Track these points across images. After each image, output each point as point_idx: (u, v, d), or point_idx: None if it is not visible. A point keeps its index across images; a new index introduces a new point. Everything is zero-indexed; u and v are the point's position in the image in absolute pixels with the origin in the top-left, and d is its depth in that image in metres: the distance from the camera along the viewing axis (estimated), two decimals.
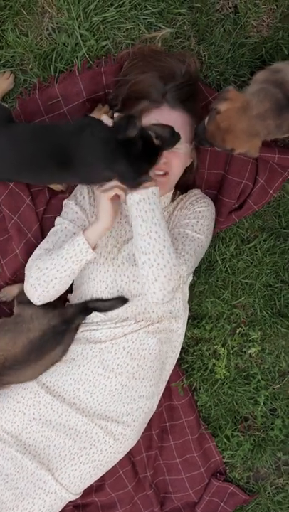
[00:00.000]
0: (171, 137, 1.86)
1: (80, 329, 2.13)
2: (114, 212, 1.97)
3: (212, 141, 1.96)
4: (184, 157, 2.10)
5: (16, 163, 1.92)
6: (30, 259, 2.08)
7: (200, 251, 2.09)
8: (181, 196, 2.21)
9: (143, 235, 1.91)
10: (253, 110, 1.88)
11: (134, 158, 1.83)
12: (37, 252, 2.08)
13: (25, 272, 2.05)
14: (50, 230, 2.13)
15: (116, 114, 1.95)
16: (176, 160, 2.07)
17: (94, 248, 2.00)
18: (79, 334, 2.12)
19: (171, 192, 2.21)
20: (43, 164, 1.90)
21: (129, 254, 2.07)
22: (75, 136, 1.87)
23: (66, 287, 2.05)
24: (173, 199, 2.20)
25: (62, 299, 2.20)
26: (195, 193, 2.20)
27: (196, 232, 2.07)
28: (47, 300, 2.05)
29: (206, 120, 1.96)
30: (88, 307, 2.11)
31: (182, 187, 2.23)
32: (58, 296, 2.06)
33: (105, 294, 2.10)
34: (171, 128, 1.88)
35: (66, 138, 1.88)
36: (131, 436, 2.14)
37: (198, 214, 2.11)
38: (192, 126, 2.08)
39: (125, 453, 2.22)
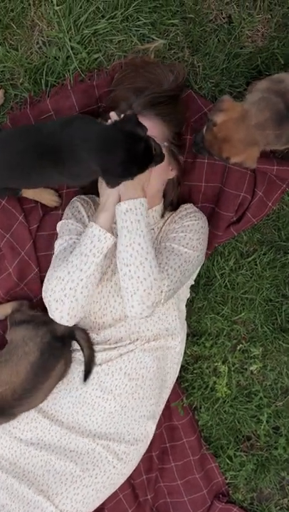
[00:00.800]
0: (159, 154, 1.85)
1: (75, 352, 2.09)
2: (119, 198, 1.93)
3: (210, 150, 1.94)
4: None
5: (6, 167, 1.90)
6: (45, 281, 1.97)
7: (187, 266, 2.02)
8: (172, 212, 2.17)
9: (126, 246, 1.88)
10: (252, 119, 1.86)
11: (131, 156, 1.79)
12: (50, 272, 1.98)
13: (45, 294, 1.95)
14: (55, 253, 2.04)
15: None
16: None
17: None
18: (74, 357, 2.09)
19: (160, 206, 2.16)
20: (31, 164, 1.88)
21: None
22: (63, 129, 1.85)
23: (93, 292, 1.96)
24: (163, 215, 2.17)
25: None
26: (186, 208, 2.16)
27: (182, 246, 2.02)
28: (78, 315, 1.94)
29: (204, 129, 1.95)
30: (75, 335, 2.07)
31: (173, 202, 2.19)
32: (88, 307, 1.97)
33: (98, 314, 2.07)
34: (160, 147, 1.87)
35: (53, 133, 1.86)
36: (134, 456, 2.11)
37: (187, 228, 2.06)
38: (166, 131, 2.03)
39: (128, 475, 2.18)
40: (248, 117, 1.86)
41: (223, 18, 2.20)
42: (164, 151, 1.93)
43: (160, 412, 2.21)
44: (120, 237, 1.90)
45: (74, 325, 2.01)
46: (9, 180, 1.97)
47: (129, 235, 1.88)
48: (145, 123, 1.86)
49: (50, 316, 1.95)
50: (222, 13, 2.19)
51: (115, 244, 1.98)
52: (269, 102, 1.87)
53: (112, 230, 1.97)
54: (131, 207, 1.89)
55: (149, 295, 1.88)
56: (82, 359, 2.06)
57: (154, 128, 1.96)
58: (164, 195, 2.16)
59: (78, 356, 2.08)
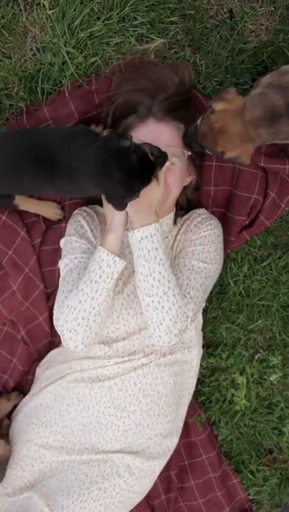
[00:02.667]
0: (160, 155, 1.79)
1: (85, 367, 2.04)
2: (127, 220, 1.88)
3: (203, 141, 1.90)
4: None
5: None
6: (55, 309, 1.93)
7: (208, 282, 1.99)
8: (185, 217, 2.12)
9: (146, 276, 1.84)
10: (247, 115, 1.83)
11: (127, 173, 1.72)
12: (60, 298, 1.93)
13: (57, 323, 1.90)
14: (62, 274, 2.00)
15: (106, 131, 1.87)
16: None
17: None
18: (84, 374, 2.03)
19: (173, 213, 2.10)
20: (23, 166, 1.83)
21: (135, 286, 1.96)
22: (65, 144, 1.79)
23: (106, 317, 1.92)
24: (175, 221, 2.11)
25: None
26: (199, 213, 2.10)
27: (202, 261, 1.97)
28: (93, 342, 1.90)
29: (199, 120, 1.91)
30: None
31: (184, 207, 2.15)
32: (102, 331, 1.94)
33: (111, 328, 2.02)
34: (158, 148, 1.80)
35: (54, 143, 1.81)
36: (148, 474, 2.04)
37: (204, 239, 2.01)
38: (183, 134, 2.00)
39: (141, 496, 2.10)
40: (244, 112, 1.83)
41: (224, 13, 2.15)
42: (185, 159, 1.93)
43: (179, 430, 2.15)
44: (138, 267, 1.85)
45: None
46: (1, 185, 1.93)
47: (147, 264, 1.83)
48: (164, 131, 1.88)
49: (64, 344, 1.91)
50: (223, 8, 2.15)
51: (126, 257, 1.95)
52: (264, 99, 1.83)
53: (122, 250, 1.95)
54: (146, 234, 1.83)
55: (175, 324, 1.85)
56: (92, 376, 2.01)
57: (176, 136, 1.96)
58: (176, 202, 2.12)
59: (87, 375, 2.03)
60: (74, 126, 2.07)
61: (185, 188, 2.08)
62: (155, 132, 1.92)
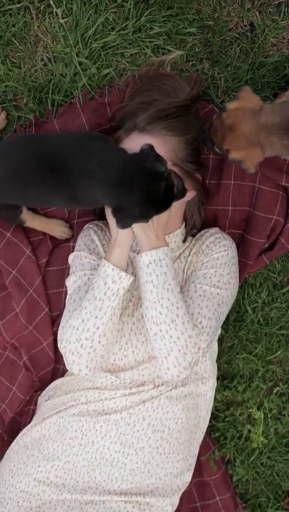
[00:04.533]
0: (182, 190, 1.78)
1: (90, 399, 1.95)
2: (133, 235, 1.83)
3: (213, 137, 1.88)
4: None
5: (4, 177, 1.82)
6: (60, 328, 1.87)
7: (222, 309, 1.92)
8: (197, 236, 2.06)
9: (154, 303, 1.78)
10: (262, 118, 1.81)
11: (149, 197, 1.69)
12: (65, 317, 1.88)
13: (60, 344, 1.84)
14: (69, 292, 1.94)
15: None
16: None
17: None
18: (89, 406, 1.95)
19: (182, 230, 2.04)
20: (30, 173, 1.78)
21: None
22: (81, 146, 1.75)
23: (114, 339, 1.86)
24: (185, 239, 2.05)
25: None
26: (212, 233, 2.03)
27: (214, 286, 1.90)
28: (98, 366, 1.82)
29: (215, 116, 1.91)
30: None
31: (196, 225, 2.09)
32: (108, 355, 1.86)
33: (119, 355, 1.94)
34: (183, 182, 1.80)
35: (65, 147, 1.77)
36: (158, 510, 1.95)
37: (217, 261, 1.94)
38: (176, 147, 1.91)
39: None
40: (260, 113, 1.82)
41: (245, 25, 2.12)
42: (176, 171, 1.85)
43: (191, 468, 2.06)
44: (145, 292, 1.79)
45: None
46: (5, 194, 1.88)
47: (155, 290, 1.77)
48: (148, 140, 1.78)
49: (67, 367, 1.85)
50: (243, 21, 2.12)
51: (135, 275, 1.89)
52: (286, 107, 1.82)
53: (128, 265, 1.90)
54: (154, 258, 1.78)
55: (184, 355, 1.77)
56: (97, 409, 1.94)
57: (159, 145, 1.84)
58: (185, 218, 2.06)
59: (92, 407, 1.95)
60: (85, 131, 2.04)
61: (189, 202, 2.02)
62: (135, 146, 1.81)
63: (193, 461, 2.06)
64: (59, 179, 1.74)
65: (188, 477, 2.03)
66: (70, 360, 1.80)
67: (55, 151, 1.76)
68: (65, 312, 1.88)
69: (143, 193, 1.68)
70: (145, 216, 1.70)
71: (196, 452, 2.09)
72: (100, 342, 1.79)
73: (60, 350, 1.83)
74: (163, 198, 1.72)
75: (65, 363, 1.83)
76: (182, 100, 1.94)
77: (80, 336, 1.78)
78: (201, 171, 2.00)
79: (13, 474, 1.95)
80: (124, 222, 1.71)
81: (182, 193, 1.78)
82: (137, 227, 1.76)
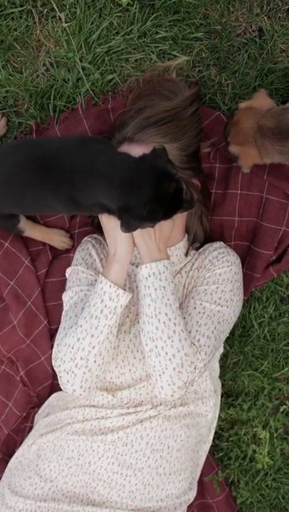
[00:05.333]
0: (190, 201, 1.75)
1: (87, 417, 1.91)
2: (133, 250, 1.78)
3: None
4: None
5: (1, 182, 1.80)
6: (54, 346, 1.83)
7: (222, 328, 1.86)
8: (200, 250, 2.01)
9: (151, 317, 1.73)
10: (262, 119, 1.86)
11: (159, 195, 1.65)
12: (60, 335, 1.84)
13: (54, 363, 1.80)
14: (65, 308, 1.91)
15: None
16: None
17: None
18: (85, 425, 1.90)
19: (184, 243, 1.99)
20: (26, 177, 1.75)
21: None
22: (82, 148, 1.72)
23: (110, 358, 1.81)
24: (187, 252, 2.00)
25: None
26: (215, 247, 1.98)
27: (215, 303, 1.84)
28: (93, 386, 1.78)
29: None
30: None
31: (199, 237, 2.05)
32: (104, 375, 1.82)
33: (115, 373, 1.90)
34: (192, 193, 1.80)
35: (63, 149, 1.74)
36: None
37: (219, 277, 1.89)
38: (171, 153, 1.85)
39: None
40: (263, 115, 1.85)
41: (253, 31, 2.09)
42: None
43: (193, 488, 2.00)
44: (143, 306, 1.75)
45: None
46: (1, 201, 1.85)
47: (153, 304, 1.72)
48: (138, 149, 1.75)
49: (61, 387, 1.81)
50: (251, 26, 2.08)
51: (133, 291, 1.85)
52: (284, 114, 1.84)
53: (130, 285, 1.88)
54: (154, 271, 1.73)
55: (180, 374, 1.72)
56: (93, 428, 1.90)
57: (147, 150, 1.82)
58: (187, 230, 2.01)
59: (88, 426, 1.91)
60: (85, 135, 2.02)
61: (190, 213, 1.99)
62: None
63: (195, 481, 2.01)
64: (59, 180, 1.71)
65: (191, 496, 1.98)
66: (64, 379, 1.76)
67: (52, 152, 1.74)
68: (61, 329, 1.84)
69: (153, 190, 1.65)
70: (153, 218, 1.67)
71: (198, 473, 2.04)
72: (95, 361, 1.74)
73: (55, 369, 1.79)
74: (172, 199, 1.69)
75: (59, 383, 1.79)
76: (173, 105, 1.90)
77: (74, 355, 1.74)
78: (200, 177, 1.97)
79: (9, 493, 1.92)
80: (129, 224, 1.67)
81: (190, 203, 1.75)
82: (138, 237, 1.71)
